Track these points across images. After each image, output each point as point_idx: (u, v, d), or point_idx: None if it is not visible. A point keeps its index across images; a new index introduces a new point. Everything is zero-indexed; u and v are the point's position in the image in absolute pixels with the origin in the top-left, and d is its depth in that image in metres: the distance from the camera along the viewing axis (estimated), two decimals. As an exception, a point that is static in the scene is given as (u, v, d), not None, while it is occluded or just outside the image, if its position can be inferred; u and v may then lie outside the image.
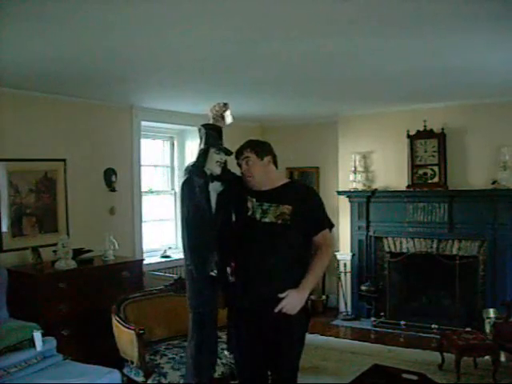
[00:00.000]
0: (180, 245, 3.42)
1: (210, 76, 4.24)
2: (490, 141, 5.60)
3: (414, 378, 3.39)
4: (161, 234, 6.35)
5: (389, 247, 6.26)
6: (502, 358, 4.61)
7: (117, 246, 4.93)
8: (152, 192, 6.24)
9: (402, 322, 5.84)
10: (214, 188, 2.82)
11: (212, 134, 2.84)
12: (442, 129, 5.84)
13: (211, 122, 2.90)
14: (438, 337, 4.84)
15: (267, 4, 2.59)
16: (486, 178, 5.57)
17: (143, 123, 5.72)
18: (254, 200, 2.80)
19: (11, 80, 4.16)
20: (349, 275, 6.48)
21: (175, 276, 4.84)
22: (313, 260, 2.76)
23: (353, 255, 6.44)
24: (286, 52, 3.51)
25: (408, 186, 6.02)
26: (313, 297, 6.37)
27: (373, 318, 6.10)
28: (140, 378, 3.63)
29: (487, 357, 4.47)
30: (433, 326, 5.62)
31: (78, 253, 4.58)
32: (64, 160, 4.86)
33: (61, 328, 4.05)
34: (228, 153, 2.86)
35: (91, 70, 3.92)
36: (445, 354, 4.60)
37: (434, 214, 5.86)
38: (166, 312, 4.12)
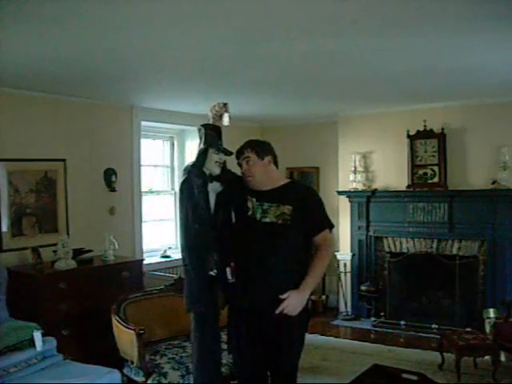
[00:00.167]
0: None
1: (210, 76, 4.24)
2: (490, 141, 5.60)
3: (414, 378, 3.38)
4: (161, 234, 6.35)
5: (389, 247, 6.26)
6: (502, 358, 4.61)
7: (117, 245, 4.93)
8: (152, 192, 6.25)
9: (402, 322, 5.85)
10: (214, 188, 2.82)
11: (211, 134, 2.84)
12: (442, 129, 5.84)
13: (211, 121, 2.90)
14: (438, 337, 4.84)
15: (267, 4, 2.59)
16: (486, 177, 5.57)
17: (143, 123, 5.72)
18: (254, 200, 2.80)
19: (11, 80, 4.16)
20: (349, 275, 6.48)
21: (175, 276, 4.84)
22: (313, 260, 2.76)
23: (353, 255, 6.44)
24: (286, 52, 3.51)
25: (408, 186, 6.03)
26: (313, 297, 6.36)
27: (373, 318, 6.10)
28: (140, 378, 3.63)
29: (487, 357, 4.47)
30: (433, 326, 5.63)
31: (78, 253, 4.58)
32: (64, 160, 4.86)
33: (61, 328, 4.05)
34: (227, 153, 2.86)
35: (91, 70, 3.92)
36: (445, 353, 4.60)
37: (433, 213, 5.86)
38: (166, 312, 4.12)
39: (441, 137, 5.84)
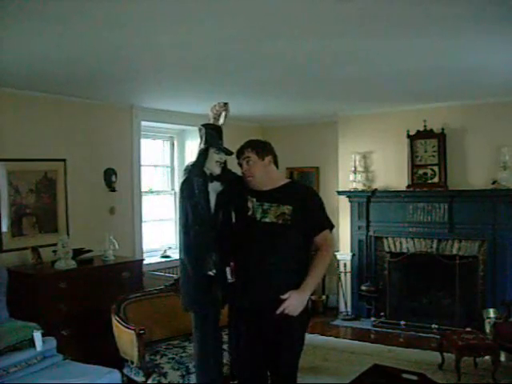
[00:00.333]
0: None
1: (210, 76, 4.24)
2: (490, 141, 5.60)
3: (414, 378, 3.38)
4: (161, 234, 6.35)
5: (389, 247, 6.26)
6: (502, 358, 4.61)
7: (117, 245, 4.93)
8: (152, 192, 6.25)
9: (402, 322, 5.85)
10: (214, 188, 2.82)
11: (212, 134, 2.84)
12: (442, 129, 5.84)
13: (211, 121, 2.90)
14: (438, 337, 4.84)
15: (270, 3, 2.59)
16: (486, 177, 5.57)
17: (143, 123, 5.72)
18: (255, 200, 2.80)
19: (12, 80, 4.16)
20: (349, 275, 6.48)
21: (175, 276, 4.84)
22: (314, 261, 2.76)
23: (353, 255, 6.44)
24: (290, 52, 3.51)
25: (408, 186, 6.02)
26: (313, 297, 6.36)
27: (373, 318, 6.10)
28: (140, 378, 3.63)
29: (487, 357, 4.47)
30: (433, 326, 5.63)
31: (78, 253, 4.58)
32: (64, 160, 4.86)
33: (61, 328, 4.06)
34: (228, 153, 2.86)
35: (91, 70, 3.92)
36: (445, 353, 4.60)
37: (434, 213, 5.86)
38: (166, 312, 4.12)
39: (441, 137, 5.84)
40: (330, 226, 2.87)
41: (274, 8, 2.64)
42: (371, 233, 6.30)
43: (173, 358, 3.72)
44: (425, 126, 5.89)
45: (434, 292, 6.15)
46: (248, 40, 3.22)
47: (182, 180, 2.87)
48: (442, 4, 2.61)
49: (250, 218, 2.78)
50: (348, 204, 6.44)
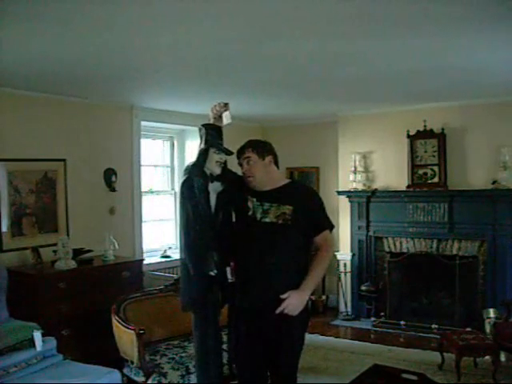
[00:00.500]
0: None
1: (210, 76, 4.24)
2: (490, 141, 5.60)
3: (414, 378, 3.39)
4: (161, 234, 6.35)
5: (389, 247, 6.26)
6: (502, 358, 4.61)
7: (117, 245, 4.93)
8: (152, 192, 6.25)
9: (402, 322, 5.84)
10: (214, 188, 2.82)
11: (212, 134, 2.84)
12: (442, 129, 5.84)
13: (211, 121, 2.89)
14: (438, 337, 4.84)
15: (271, 4, 2.59)
16: (486, 178, 5.57)
17: (143, 123, 5.72)
18: (255, 200, 2.79)
19: (11, 80, 4.16)
20: (349, 275, 6.48)
21: (175, 276, 4.84)
22: (313, 261, 2.76)
23: (353, 255, 6.44)
24: (287, 53, 3.51)
25: (408, 186, 6.02)
26: (313, 297, 6.36)
27: (373, 318, 6.10)
28: (140, 378, 3.63)
29: (487, 357, 4.48)
30: (433, 326, 5.63)
31: (78, 253, 4.58)
32: (64, 160, 4.86)
33: (61, 328, 4.06)
34: (228, 153, 2.86)
35: (91, 70, 3.92)
36: (445, 353, 4.60)
37: (434, 213, 5.86)
38: (166, 312, 4.12)
39: (441, 137, 5.84)
40: (330, 226, 2.87)
41: (274, 9, 2.64)
42: (371, 233, 6.30)
43: (173, 358, 3.73)
44: (425, 126, 5.89)
45: (434, 292, 6.15)
46: (248, 40, 3.22)
47: (182, 180, 2.86)
48: (441, 4, 2.61)
49: (250, 217, 2.78)
50: (348, 204, 6.44)
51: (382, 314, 6.12)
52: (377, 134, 6.28)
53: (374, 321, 6.06)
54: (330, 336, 5.77)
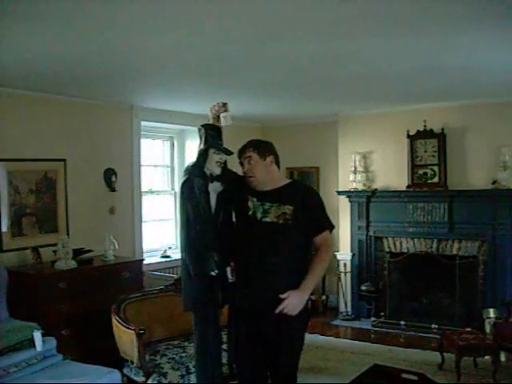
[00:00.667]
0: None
1: (210, 76, 4.23)
2: (490, 141, 5.60)
3: (414, 378, 3.38)
4: (161, 234, 6.35)
5: (389, 247, 6.26)
6: (502, 358, 4.61)
7: (117, 245, 4.93)
8: (152, 192, 6.25)
9: (402, 322, 5.84)
10: (214, 188, 2.82)
11: (211, 134, 2.84)
12: (442, 129, 5.84)
13: (211, 121, 2.90)
14: (438, 337, 4.84)
15: (269, 6, 2.59)
16: (486, 178, 5.57)
17: (143, 123, 5.72)
18: (255, 200, 2.79)
19: (11, 80, 4.16)
20: (349, 275, 6.48)
21: (175, 276, 4.85)
22: (313, 261, 2.76)
23: (353, 255, 6.44)
24: (289, 54, 3.51)
25: (408, 186, 6.03)
26: (313, 297, 6.36)
27: (373, 318, 6.10)
28: (140, 378, 3.63)
29: (487, 357, 4.48)
30: (433, 326, 5.63)
31: (78, 253, 4.58)
32: (64, 160, 4.86)
33: (61, 328, 4.05)
34: (228, 153, 2.86)
35: (92, 70, 3.92)
36: (445, 353, 4.60)
37: (433, 213, 5.86)
38: (166, 312, 4.12)
39: (441, 137, 5.84)
40: (330, 226, 2.87)
41: (276, 10, 2.64)
42: (371, 233, 6.30)
43: (173, 358, 3.73)
44: (425, 126, 5.89)
45: (434, 292, 6.15)
46: (250, 41, 3.22)
47: (182, 181, 2.86)
48: (442, 3, 2.61)
49: (251, 217, 2.78)
50: (348, 204, 6.44)
51: (382, 313, 6.12)
52: (377, 134, 6.29)
53: (374, 321, 6.06)
54: (330, 336, 5.77)
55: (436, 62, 3.86)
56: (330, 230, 2.87)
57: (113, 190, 5.32)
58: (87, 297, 4.29)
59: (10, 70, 3.84)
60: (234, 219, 2.92)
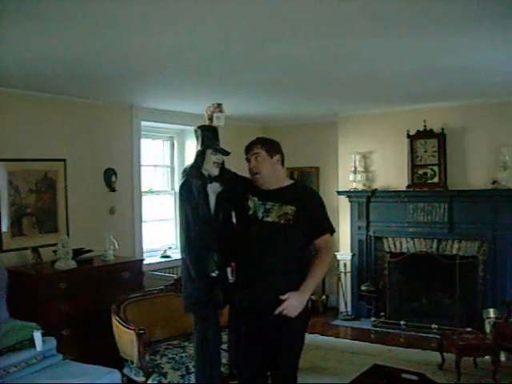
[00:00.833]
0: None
1: (211, 77, 4.23)
2: (490, 141, 5.60)
3: (414, 377, 3.38)
4: (161, 234, 6.35)
5: (389, 247, 6.26)
6: (502, 358, 4.61)
7: (117, 245, 4.93)
8: (152, 192, 6.24)
9: (402, 322, 5.84)
10: (213, 189, 2.81)
11: (208, 135, 2.83)
12: (442, 129, 5.84)
13: (206, 122, 2.89)
14: (438, 337, 4.84)
15: (269, 5, 2.59)
16: (486, 178, 5.58)
17: (143, 123, 5.72)
18: (256, 199, 2.79)
19: (11, 80, 4.16)
20: (349, 275, 6.48)
21: (175, 276, 4.85)
22: (314, 263, 2.76)
23: (353, 255, 6.44)
24: (289, 54, 3.50)
25: (408, 186, 6.03)
26: (313, 297, 6.36)
27: (373, 318, 6.10)
28: (140, 378, 3.63)
29: (487, 357, 4.48)
30: (433, 326, 5.62)
31: (78, 253, 4.58)
32: (64, 160, 4.86)
33: (61, 328, 4.05)
34: (225, 153, 2.85)
35: (92, 70, 3.92)
36: (445, 353, 4.60)
37: (433, 213, 5.86)
38: (166, 312, 4.12)
39: (441, 137, 5.84)
40: (331, 229, 2.87)
41: (276, 9, 2.64)
42: (371, 233, 6.30)
43: (173, 358, 3.73)
44: (425, 126, 5.89)
45: (434, 292, 6.15)
46: (250, 41, 3.22)
47: (180, 182, 2.86)
48: (442, 3, 2.61)
49: (251, 217, 2.77)
50: (348, 204, 6.44)
51: (382, 313, 6.12)
52: (377, 134, 6.29)
53: (374, 321, 6.06)
54: (330, 336, 5.77)
55: (436, 62, 3.86)
56: (331, 233, 2.87)
57: (113, 190, 5.32)
58: (87, 297, 4.29)
59: (10, 70, 3.84)
60: (233, 219, 2.92)
